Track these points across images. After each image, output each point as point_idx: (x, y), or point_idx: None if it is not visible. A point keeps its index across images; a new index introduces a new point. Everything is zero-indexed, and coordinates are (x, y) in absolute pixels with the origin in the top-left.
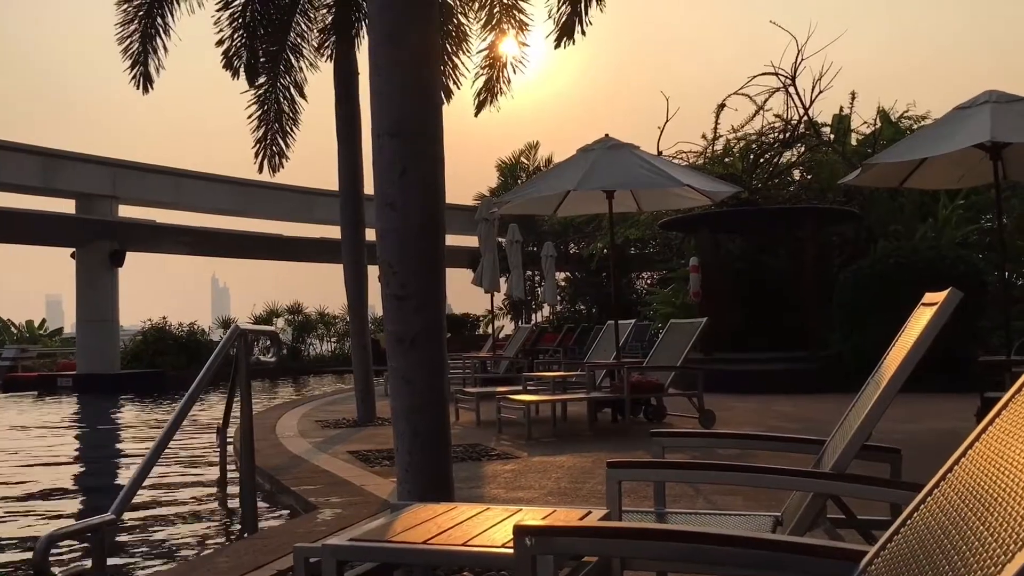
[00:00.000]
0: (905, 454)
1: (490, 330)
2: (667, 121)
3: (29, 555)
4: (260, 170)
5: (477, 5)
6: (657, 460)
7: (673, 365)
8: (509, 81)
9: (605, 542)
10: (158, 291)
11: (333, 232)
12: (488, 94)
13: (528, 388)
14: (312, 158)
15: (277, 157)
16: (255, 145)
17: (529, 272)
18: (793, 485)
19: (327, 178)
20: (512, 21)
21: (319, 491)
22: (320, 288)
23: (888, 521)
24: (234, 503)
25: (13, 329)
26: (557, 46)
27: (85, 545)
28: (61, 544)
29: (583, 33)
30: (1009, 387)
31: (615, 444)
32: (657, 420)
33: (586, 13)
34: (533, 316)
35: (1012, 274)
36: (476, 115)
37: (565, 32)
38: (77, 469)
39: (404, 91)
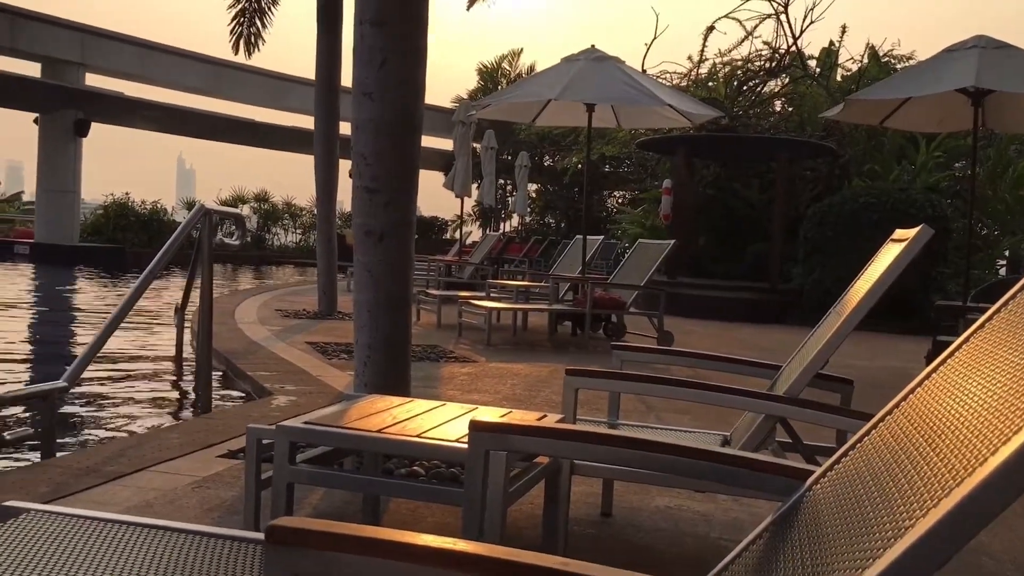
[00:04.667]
0: (855, 388)
1: (457, 235)
2: (654, 39)
3: None
4: (235, 50)
5: None
6: (615, 371)
7: (637, 284)
8: None
9: (559, 443)
10: (122, 167)
11: (305, 122)
12: None
13: (491, 295)
14: (289, 46)
15: (254, 37)
16: (231, 22)
17: (501, 181)
18: (746, 405)
19: (303, 67)
20: None
21: (274, 378)
22: (289, 178)
23: (834, 448)
24: (188, 383)
25: None
26: None
27: (33, 412)
28: (10, 409)
29: None
30: (963, 333)
31: (572, 357)
32: (616, 337)
33: None
34: (501, 225)
35: (978, 223)
36: (469, 8)
37: None
38: (30, 337)
39: None
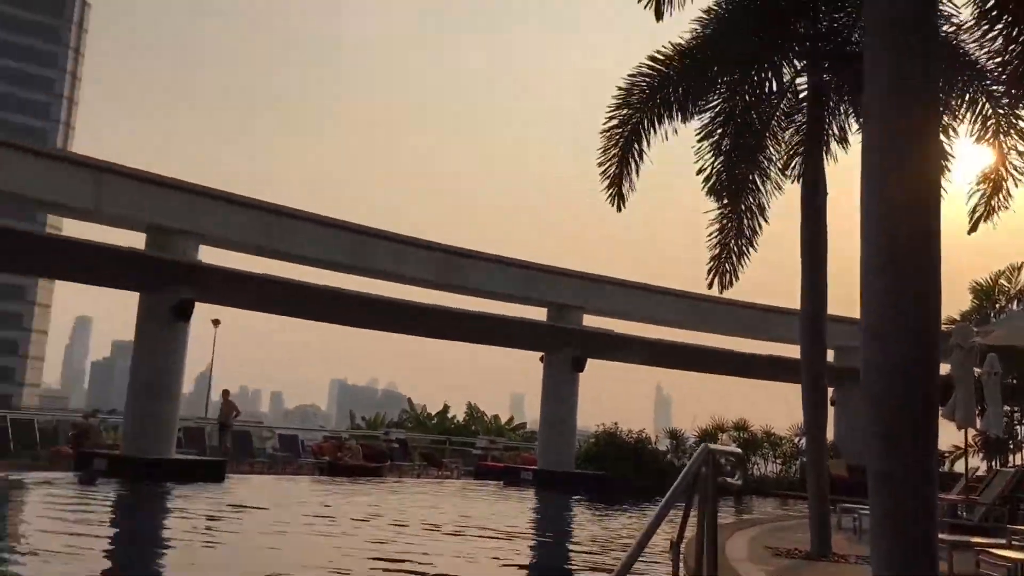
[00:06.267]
0: None
1: (960, 469)
2: None
3: None
4: (710, 287)
5: (968, 118)
6: None
7: None
8: (1009, 194)
9: None
10: (607, 397)
11: (781, 349)
12: (986, 209)
13: (1013, 542)
14: (765, 273)
15: (728, 276)
16: (709, 263)
17: (1008, 407)
18: None
19: (778, 294)
20: (1012, 131)
21: None
22: (763, 405)
23: None
24: None
25: (486, 419)
26: None
27: None
28: None
29: None
30: None
31: None
32: None
33: None
34: (1011, 457)
35: None
36: (970, 232)
37: None
38: (537, 565)
39: (897, 219)
